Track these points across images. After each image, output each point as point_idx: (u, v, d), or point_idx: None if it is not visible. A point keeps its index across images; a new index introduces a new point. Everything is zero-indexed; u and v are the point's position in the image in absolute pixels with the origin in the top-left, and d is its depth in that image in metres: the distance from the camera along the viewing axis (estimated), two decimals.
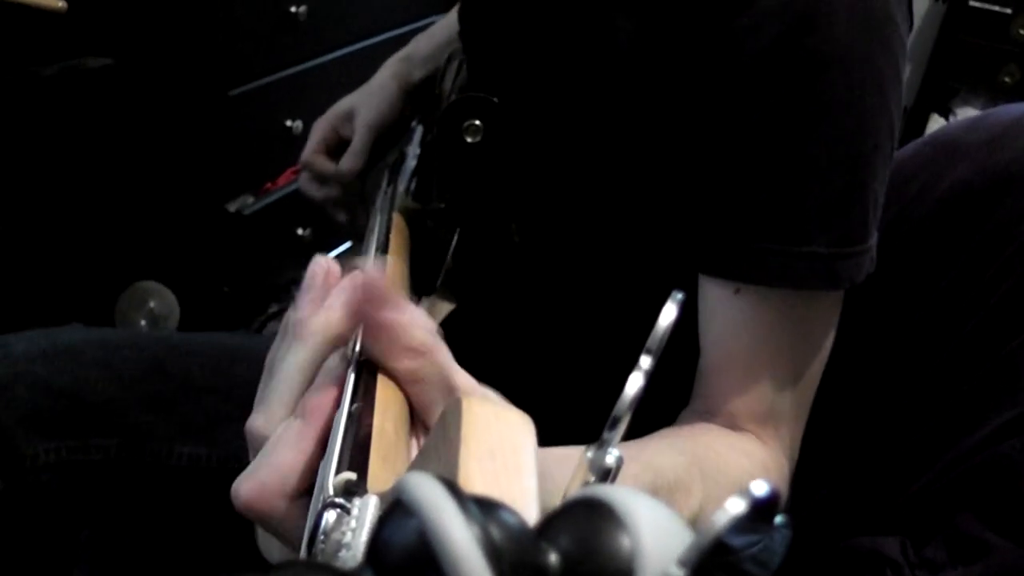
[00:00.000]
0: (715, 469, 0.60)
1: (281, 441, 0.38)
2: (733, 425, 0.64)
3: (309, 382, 0.40)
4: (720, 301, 0.63)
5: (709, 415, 0.65)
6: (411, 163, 0.88)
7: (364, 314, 0.39)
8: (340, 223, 1.00)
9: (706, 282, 0.64)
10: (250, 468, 0.38)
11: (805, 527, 0.65)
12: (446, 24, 0.97)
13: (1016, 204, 0.69)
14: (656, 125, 0.63)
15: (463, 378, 0.39)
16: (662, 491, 0.53)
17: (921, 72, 2.18)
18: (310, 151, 0.97)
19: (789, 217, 0.60)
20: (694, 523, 0.54)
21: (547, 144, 0.70)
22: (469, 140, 0.70)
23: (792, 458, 0.67)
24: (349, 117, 0.96)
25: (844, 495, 0.75)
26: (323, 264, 0.43)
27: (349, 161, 0.94)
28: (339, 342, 0.41)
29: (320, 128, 0.98)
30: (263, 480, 0.37)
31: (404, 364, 0.39)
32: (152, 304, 1.57)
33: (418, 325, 0.39)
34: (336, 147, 0.97)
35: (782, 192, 0.60)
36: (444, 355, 0.39)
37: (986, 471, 0.62)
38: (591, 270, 0.72)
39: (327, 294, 0.41)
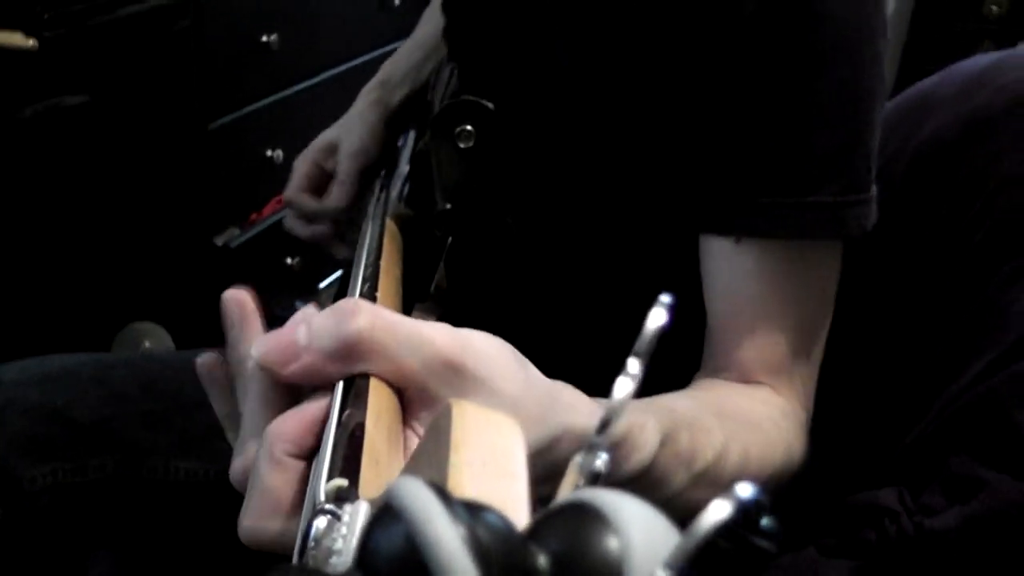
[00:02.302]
0: (733, 412, 0.59)
1: (253, 478, 0.38)
2: (746, 379, 0.64)
3: (275, 412, 0.39)
4: (723, 256, 0.63)
5: (721, 371, 0.65)
6: (403, 169, 0.87)
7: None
8: (338, 257, 0.97)
9: (708, 241, 0.64)
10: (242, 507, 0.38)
11: (802, 486, 0.65)
12: (418, 45, 0.96)
13: (989, 146, 0.69)
14: (657, 93, 0.64)
15: None
16: (682, 430, 0.53)
17: (898, 60, 2.19)
18: (293, 189, 0.94)
19: (794, 168, 0.60)
20: (720, 463, 0.55)
21: (545, 131, 0.69)
22: (462, 146, 0.69)
23: (808, 409, 0.66)
24: (331, 150, 0.93)
25: (841, 452, 0.74)
26: (234, 298, 0.44)
27: (337, 193, 0.90)
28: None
29: (302, 165, 0.94)
30: (252, 516, 0.37)
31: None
32: (147, 344, 1.57)
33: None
34: (320, 182, 0.94)
35: (786, 143, 0.60)
36: None
37: (974, 410, 0.61)
38: (588, 257, 0.72)
39: (249, 325, 0.43)
